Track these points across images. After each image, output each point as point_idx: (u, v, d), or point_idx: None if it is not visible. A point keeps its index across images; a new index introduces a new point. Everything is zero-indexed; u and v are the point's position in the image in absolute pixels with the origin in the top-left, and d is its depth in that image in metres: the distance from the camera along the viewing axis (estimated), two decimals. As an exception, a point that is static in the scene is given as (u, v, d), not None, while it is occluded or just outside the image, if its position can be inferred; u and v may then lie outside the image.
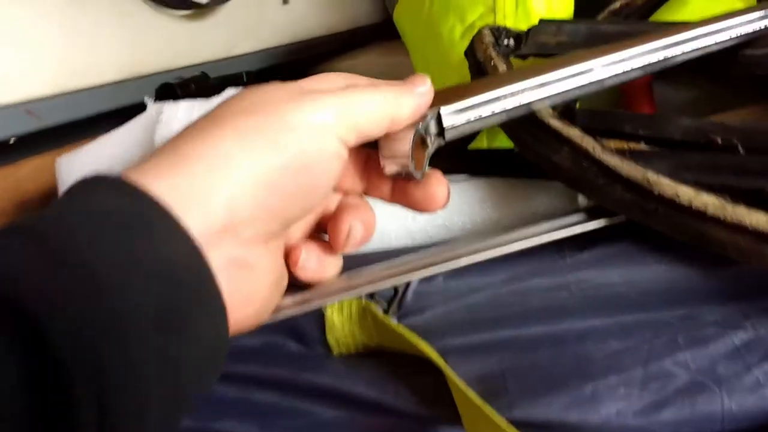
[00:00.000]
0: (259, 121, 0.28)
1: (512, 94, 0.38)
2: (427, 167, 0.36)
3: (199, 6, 0.89)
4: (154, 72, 0.83)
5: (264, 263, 0.30)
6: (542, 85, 0.39)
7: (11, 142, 0.66)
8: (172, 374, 0.24)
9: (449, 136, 0.36)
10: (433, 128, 0.36)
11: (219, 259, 0.27)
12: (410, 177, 0.35)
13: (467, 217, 0.51)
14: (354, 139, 0.31)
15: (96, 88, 0.74)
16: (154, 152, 0.28)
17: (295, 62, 1.20)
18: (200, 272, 0.26)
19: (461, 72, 0.67)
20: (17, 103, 0.64)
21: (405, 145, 0.34)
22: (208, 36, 0.96)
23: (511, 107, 0.38)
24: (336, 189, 0.37)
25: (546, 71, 0.40)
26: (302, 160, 0.29)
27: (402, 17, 0.83)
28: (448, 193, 0.36)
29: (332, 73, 0.35)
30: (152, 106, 0.60)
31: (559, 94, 0.40)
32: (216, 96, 0.80)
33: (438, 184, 0.36)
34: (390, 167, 0.34)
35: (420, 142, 0.35)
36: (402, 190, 0.37)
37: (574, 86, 0.41)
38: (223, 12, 0.98)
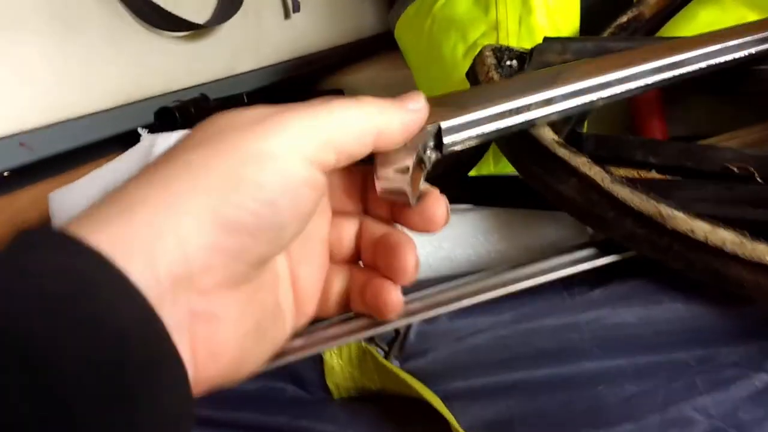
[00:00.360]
0: (213, 153, 0.26)
1: (516, 107, 0.36)
2: (422, 189, 0.34)
3: (196, 27, 0.87)
4: (152, 96, 0.82)
5: (234, 312, 0.27)
6: (548, 100, 0.37)
7: (5, 174, 0.65)
8: None
9: (447, 149, 0.34)
10: (431, 142, 0.34)
11: (177, 315, 0.24)
12: (405, 202, 0.32)
13: (472, 249, 0.49)
14: (335, 159, 0.28)
15: (91, 116, 0.72)
16: (103, 198, 0.25)
17: (297, 78, 1.18)
18: (154, 335, 0.23)
19: (464, 92, 0.65)
20: (9, 136, 0.63)
21: (402, 165, 0.31)
22: (206, 56, 0.94)
23: (518, 121, 0.36)
24: (336, 212, 0.35)
25: (554, 84, 0.37)
26: (263, 193, 0.26)
27: (403, 35, 0.81)
28: (447, 213, 0.34)
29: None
30: (145, 137, 0.58)
31: (565, 110, 0.38)
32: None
33: (436, 203, 0.33)
34: (384, 190, 0.32)
35: (417, 164, 0.33)
36: (399, 210, 0.34)
37: (580, 101, 0.39)
38: (222, 31, 0.96)
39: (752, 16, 0.63)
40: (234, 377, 0.29)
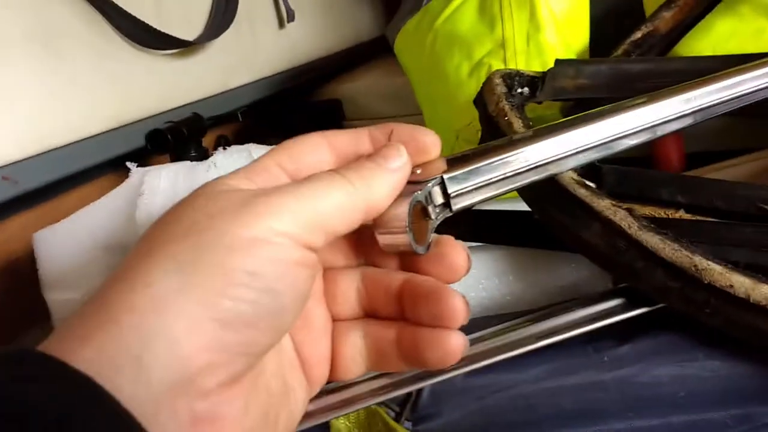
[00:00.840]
0: (200, 243, 0.23)
1: (526, 155, 0.33)
2: (431, 240, 0.31)
3: (186, 44, 0.84)
4: (143, 118, 0.78)
5: (238, 407, 0.25)
6: (562, 153, 0.34)
7: (-11, 210, 0.61)
8: None
9: (457, 206, 0.31)
10: (438, 198, 0.31)
11: (178, 422, 0.22)
12: (413, 252, 0.29)
13: (486, 292, 0.46)
14: (323, 241, 0.26)
15: (79, 143, 0.68)
16: (82, 308, 0.23)
17: (293, 89, 1.15)
18: None
19: (470, 114, 0.61)
20: (-10, 170, 0.59)
21: (400, 218, 0.29)
22: (199, 73, 0.90)
23: (525, 169, 0.33)
24: (327, 268, 0.32)
25: (571, 128, 0.34)
26: (258, 282, 0.24)
27: (403, 51, 0.78)
28: (469, 260, 0.31)
29: (308, 138, 0.30)
30: (134, 173, 0.55)
31: (586, 152, 0.35)
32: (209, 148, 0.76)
33: (453, 250, 0.31)
34: (385, 242, 0.30)
35: (421, 212, 0.30)
36: (411, 262, 0.32)
37: (601, 149, 0.35)
38: (214, 45, 0.93)
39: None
40: None
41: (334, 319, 0.33)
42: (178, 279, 0.23)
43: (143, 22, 0.76)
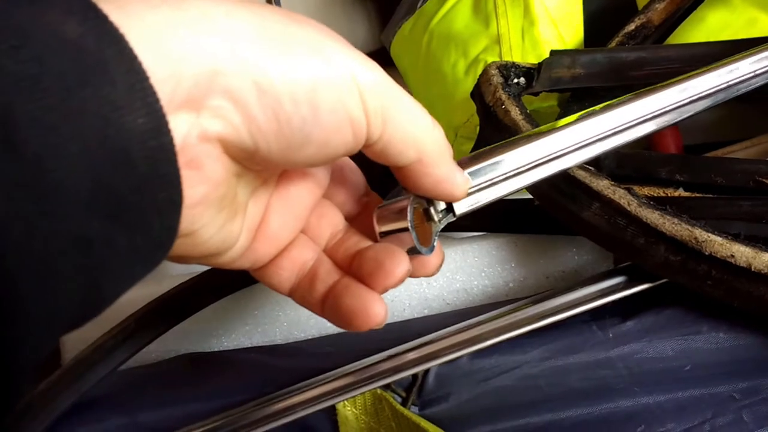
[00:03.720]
0: (295, 27, 0.23)
1: (532, 161, 0.33)
2: (435, 242, 0.31)
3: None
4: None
5: (213, 171, 0.23)
6: (567, 141, 0.34)
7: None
8: (92, 267, 0.19)
9: (460, 210, 0.31)
10: (440, 203, 0.31)
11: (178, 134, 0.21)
12: (414, 252, 0.30)
13: (488, 280, 0.46)
14: (377, 134, 0.25)
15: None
16: None
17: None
18: (162, 148, 0.20)
19: (468, 110, 0.62)
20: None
21: (402, 216, 0.29)
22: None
23: (527, 170, 0.33)
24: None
25: (571, 126, 0.34)
26: (312, 98, 0.23)
27: (400, 54, 0.78)
28: (441, 262, 0.32)
29: None
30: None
31: (587, 148, 0.35)
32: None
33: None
34: (386, 234, 0.30)
35: (424, 214, 0.30)
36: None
37: (607, 138, 0.35)
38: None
39: (762, 17, 0.61)
40: (190, 247, 0.25)
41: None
42: (256, 30, 0.22)
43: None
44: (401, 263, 0.29)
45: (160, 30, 0.20)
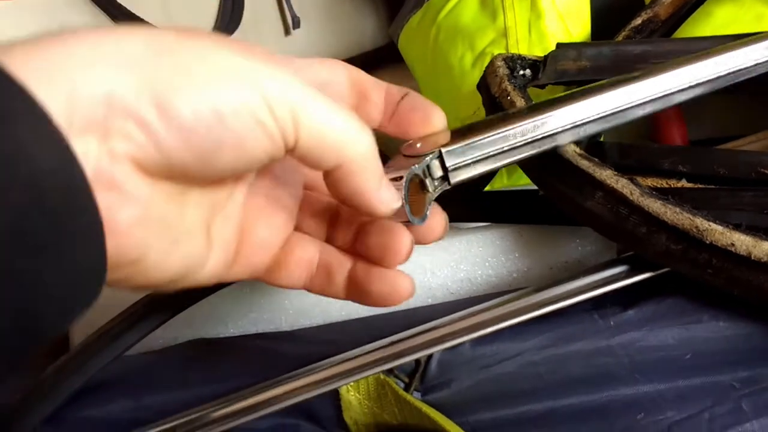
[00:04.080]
0: (185, 44, 0.23)
1: (523, 129, 0.33)
2: (428, 213, 0.31)
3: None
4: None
5: (143, 193, 0.23)
6: (557, 117, 0.35)
7: None
8: (25, 300, 0.20)
9: (455, 179, 0.32)
10: (436, 171, 0.31)
11: (87, 157, 0.21)
12: (408, 223, 0.30)
13: (492, 270, 0.46)
14: (293, 141, 0.25)
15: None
16: (43, 33, 0.22)
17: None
18: (71, 176, 0.20)
19: (475, 103, 0.62)
20: None
21: (398, 191, 0.29)
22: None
23: (522, 143, 0.34)
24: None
25: (564, 103, 0.35)
26: (214, 101, 0.23)
27: (407, 47, 0.79)
28: (446, 224, 0.33)
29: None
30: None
31: (578, 126, 0.35)
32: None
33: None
34: None
35: (419, 185, 0.31)
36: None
37: (597, 118, 0.36)
38: (221, 50, 0.94)
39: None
40: (133, 274, 0.25)
41: (298, 229, 0.33)
42: (149, 53, 0.22)
43: (152, 26, 0.78)
44: (404, 240, 0.30)
45: (50, 65, 0.21)
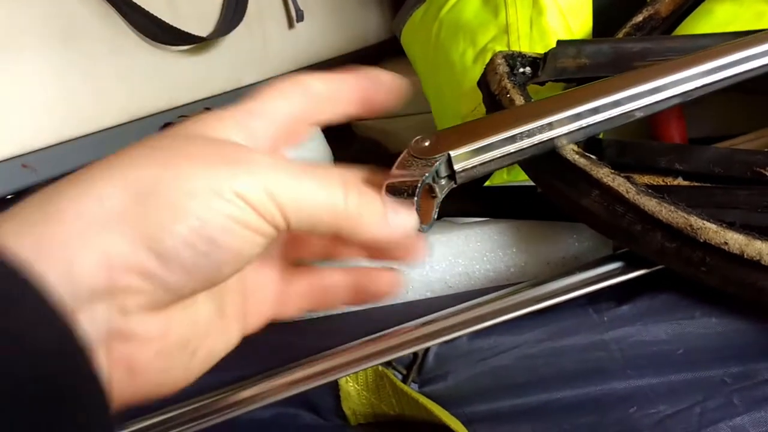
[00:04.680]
0: (158, 177, 0.24)
1: (529, 131, 0.34)
2: (435, 217, 0.32)
3: (199, 40, 0.86)
4: (156, 112, 0.80)
5: (155, 332, 0.25)
6: (563, 119, 0.35)
7: (8, 197, 0.63)
8: None
9: (462, 178, 0.33)
10: (443, 171, 0.32)
11: (95, 327, 0.23)
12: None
13: (490, 265, 0.47)
14: (284, 226, 0.26)
15: (94, 135, 0.70)
16: (22, 204, 0.23)
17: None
18: (75, 357, 0.21)
19: (476, 99, 0.63)
20: (10, 158, 0.61)
21: (410, 201, 0.29)
22: (210, 70, 0.92)
23: (528, 145, 0.35)
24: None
25: (570, 104, 0.36)
26: (204, 230, 0.24)
27: (410, 42, 0.79)
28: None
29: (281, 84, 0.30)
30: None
31: (583, 128, 0.36)
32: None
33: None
34: None
35: (428, 191, 0.31)
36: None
37: (601, 120, 0.37)
38: (225, 43, 0.95)
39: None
40: (156, 393, 0.27)
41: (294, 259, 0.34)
42: (131, 202, 0.23)
43: (158, 18, 0.78)
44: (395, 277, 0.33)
45: (42, 246, 0.22)
